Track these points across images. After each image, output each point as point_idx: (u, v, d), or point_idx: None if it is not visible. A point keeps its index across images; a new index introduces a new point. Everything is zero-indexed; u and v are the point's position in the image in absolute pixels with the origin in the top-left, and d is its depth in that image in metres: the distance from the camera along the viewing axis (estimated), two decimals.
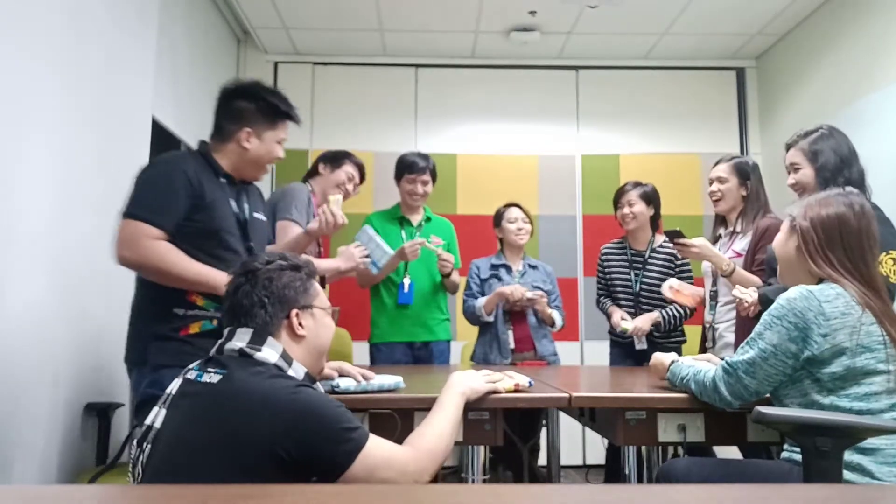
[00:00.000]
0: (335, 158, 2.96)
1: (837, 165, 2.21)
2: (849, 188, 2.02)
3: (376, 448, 1.30)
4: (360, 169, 2.99)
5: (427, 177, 3.25)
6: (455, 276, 3.33)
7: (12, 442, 2.03)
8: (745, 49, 4.61)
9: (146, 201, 1.87)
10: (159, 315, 1.89)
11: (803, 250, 1.69)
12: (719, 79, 4.80)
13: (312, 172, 2.99)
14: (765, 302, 2.25)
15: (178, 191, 1.89)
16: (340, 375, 1.83)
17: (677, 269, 3.15)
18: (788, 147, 2.35)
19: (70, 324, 2.34)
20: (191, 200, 1.90)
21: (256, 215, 2.15)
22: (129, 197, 1.89)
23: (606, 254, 3.32)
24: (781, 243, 1.77)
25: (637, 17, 4.14)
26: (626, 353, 3.16)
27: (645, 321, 3.04)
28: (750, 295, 2.31)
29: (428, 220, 3.36)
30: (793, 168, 2.31)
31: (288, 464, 1.22)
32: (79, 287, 2.40)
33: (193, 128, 3.70)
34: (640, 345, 3.09)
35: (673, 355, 1.94)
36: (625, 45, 4.56)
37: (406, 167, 3.26)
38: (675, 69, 4.76)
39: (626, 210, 3.16)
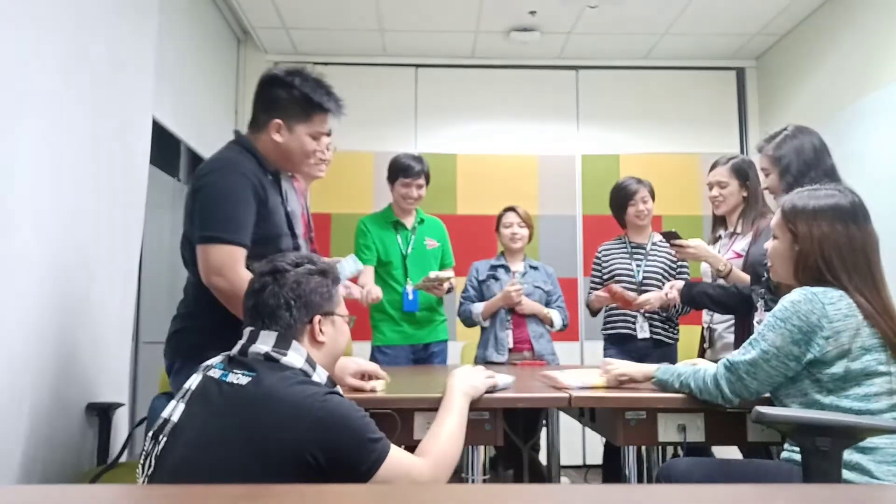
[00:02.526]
0: None
1: (800, 168, 2.19)
2: (841, 185, 1.99)
3: (397, 461, 1.31)
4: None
5: (422, 181, 3.23)
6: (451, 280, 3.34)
7: (13, 442, 2.03)
8: (745, 49, 4.61)
9: (227, 222, 1.77)
10: (222, 311, 1.78)
11: (798, 269, 1.68)
12: (719, 79, 4.80)
13: None
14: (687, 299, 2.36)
15: (249, 201, 1.81)
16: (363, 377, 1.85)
17: (676, 267, 3.16)
18: (758, 151, 2.37)
19: (70, 323, 2.34)
20: (257, 206, 1.83)
21: (289, 208, 2.09)
22: (204, 215, 1.79)
23: (606, 250, 3.32)
24: (778, 251, 1.76)
25: (637, 17, 4.14)
26: (623, 352, 3.15)
27: (656, 296, 2.99)
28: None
29: (421, 221, 3.35)
30: (763, 173, 2.34)
31: (313, 468, 1.24)
32: (79, 286, 2.40)
33: (193, 128, 3.70)
34: (643, 333, 3.08)
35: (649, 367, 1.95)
36: (625, 45, 4.56)
37: (401, 171, 3.22)
38: (675, 69, 4.76)
39: (641, 207, 3.18)
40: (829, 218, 1.64)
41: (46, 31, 2.22)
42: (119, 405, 2.58)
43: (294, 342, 1.39)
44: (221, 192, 1.80)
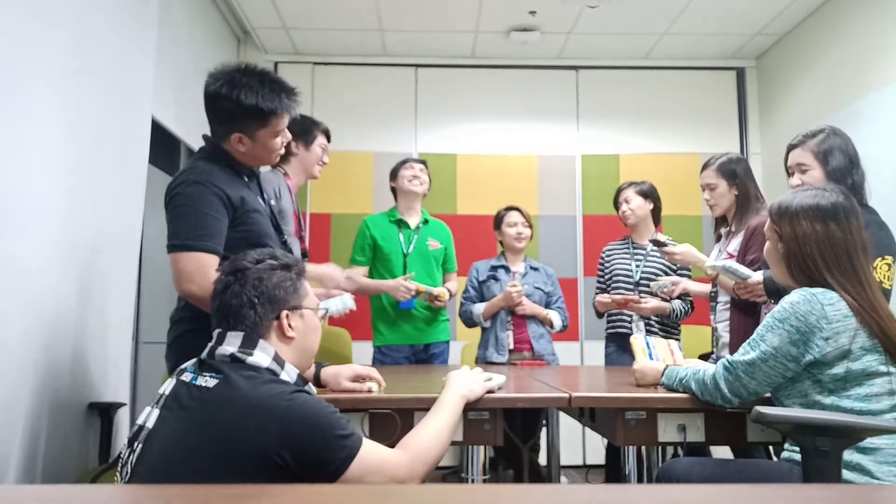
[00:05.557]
0: (305, 132, 2.77)
1: (847, 167, 2.18)
2: (830, 185, 1.99)
3: (369, 454, 1.30)
4: (327, 134, 2.87)
5: (423, 166, 3.30)
6: (452, 283, 3.36)
7: (14, 442, 2.03)
8: (745, 49, 4.61)
9: (196, 229, 1.79)
10: None
11: (791, 269, 1.70)
12: (719, 79, 4.80)
13: (286, 154, 2.76)
14: (770, 290, 2.25)
15: (220, 211, 1.83)
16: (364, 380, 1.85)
17: (677, 269, 3.17)
18: (792, 147, 2.30)
19: (71, 323, 2.35)
20: (231, 215, 1.86)
21: (272, 203, 2.13)
22: (175, 225, 1.82)
23: (609, 250, 3.36)
24: (770, 252, 1.78)
25: (637, 17, 4.14)
26: (621, 350, 3.16)
27: (651, 305, 3.05)
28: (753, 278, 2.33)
29: (426, 222, 3.36)
30: (799, 169, 2.25)
31: (283, 468, 1.23)
32: (79, 286, 2.40)
33: (193, 128, 3.70)
34: (639, 332, 3.09)
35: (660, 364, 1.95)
36: (625, 45, 4.56)
37: (400, 164, 3.33)
38: (675, 69, 4.76)
39: (623, 207, 3.22)
40: (809, 217, 1.66)
41: (46, 31, 2.22)
42: (120, 405, 2.58)
43: (261, 341, 1.37)
44: (189, 203, 1.82)
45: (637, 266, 3.19)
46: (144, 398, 3.29)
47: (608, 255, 3.32)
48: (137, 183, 2.90)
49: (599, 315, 3.28)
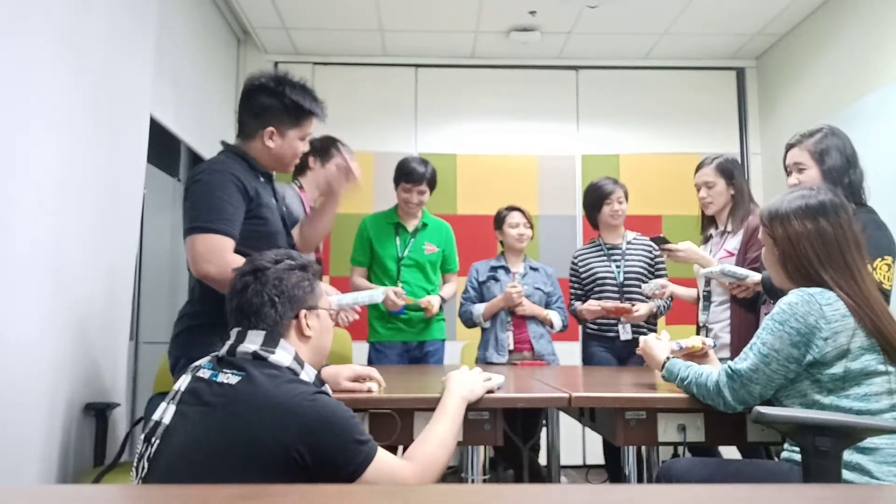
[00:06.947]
0: (324, 149, 2.86)
1: (843, 166, 2.18)
2: (819, 184, 1.99)
3: (382, 463, 1.32)
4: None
5: (424, 187, 3.21)
6: (450, 286, 3.36)
7: (12, 442, 2.03)
8: (745, 49, 4.61)
9: (213, 213, 1.83)
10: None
11: (789, 271, 1.70)
12: (719, 79, 4.80)
13: (302, 167, 2.89)
14: (768, 289, 2.25)
15: (237, 198, 1.88)
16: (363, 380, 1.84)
17: (654, 263, 3.18)
18: (790, 147, 2.31)
19: (69, 324, 2.34)
20: (246, 205, 1.90)
21: (283, 209, 2.17)
22: (192, 210, 1.86)
23: (580, 255, 3.30)
24: (766, 257, 1.79)
25: (637, 17, 4.14)
26: (605, 349, 3.14)
27: (646, 308, 3.04)
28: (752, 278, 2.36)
29: (424, 225, 3.34)
30: (797, 168, 2.27)
31: (301, 468, 1.24)
32: (78, 287, 2.40)
33: (193, 128, 3.70)
34: (626, 335, 3.07)
35: (668, 346, 1.94)
36: (625, 45, 4.56)
37: (404, 175, 3.22)
38: (675, 69, 4.76)
39: (616, 207, 3.18)
40: (799, 217, 1.68)
41: (45, 29, 2.22)
42: (115, 405, 2.57)
43: (282, 340, 1.39)
44: (208, 188, 1.87)
45: (617, 267, 3.17)
46: (144, 398, 3.29)
47: (582, 260, 3.27)
48: (136, 182, 2.90)
49: (581, 321, 3.26)
